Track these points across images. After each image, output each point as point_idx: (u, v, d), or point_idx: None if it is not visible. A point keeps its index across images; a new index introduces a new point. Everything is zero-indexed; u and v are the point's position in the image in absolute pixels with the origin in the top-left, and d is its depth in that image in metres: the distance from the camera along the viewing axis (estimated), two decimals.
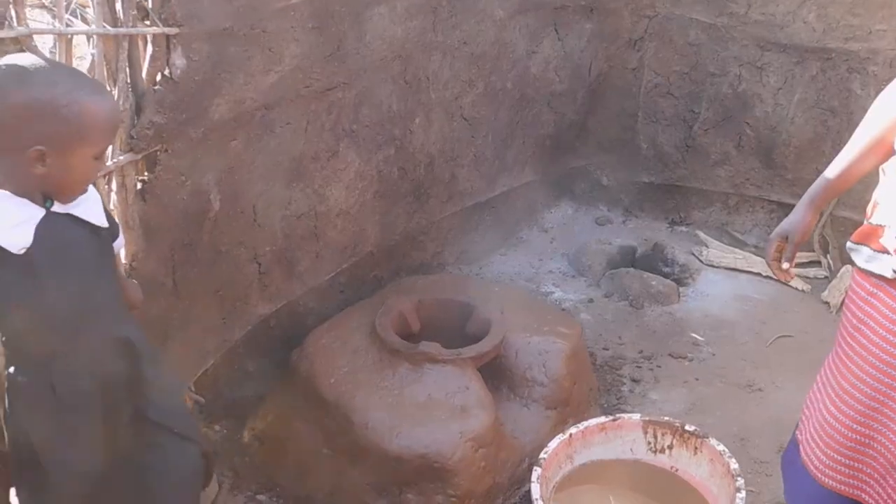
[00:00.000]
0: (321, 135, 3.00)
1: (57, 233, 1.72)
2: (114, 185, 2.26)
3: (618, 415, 2.54)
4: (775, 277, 2.26)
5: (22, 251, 1.66)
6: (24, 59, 1.65)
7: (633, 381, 3.12)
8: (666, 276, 3.84)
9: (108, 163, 2.19)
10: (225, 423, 2.90)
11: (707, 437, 2.35)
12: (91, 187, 1.87)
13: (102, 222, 1.84)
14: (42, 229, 1.69)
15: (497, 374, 2.79)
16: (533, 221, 4.52)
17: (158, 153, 2.33)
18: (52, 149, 1.60)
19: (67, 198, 1.72)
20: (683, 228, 4.38)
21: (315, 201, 3.08)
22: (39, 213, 1.70)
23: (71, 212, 1.76)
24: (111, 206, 2.27)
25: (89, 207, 1.81)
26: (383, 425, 2.43)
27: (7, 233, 1.64)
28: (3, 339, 1.76)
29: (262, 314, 3.01)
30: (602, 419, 2.52)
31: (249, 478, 2.67)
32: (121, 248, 2.06)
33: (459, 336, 2.92)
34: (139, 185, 2.31)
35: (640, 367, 3.21)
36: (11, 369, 1.77)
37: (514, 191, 4.27)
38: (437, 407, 2.51)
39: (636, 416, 2.52)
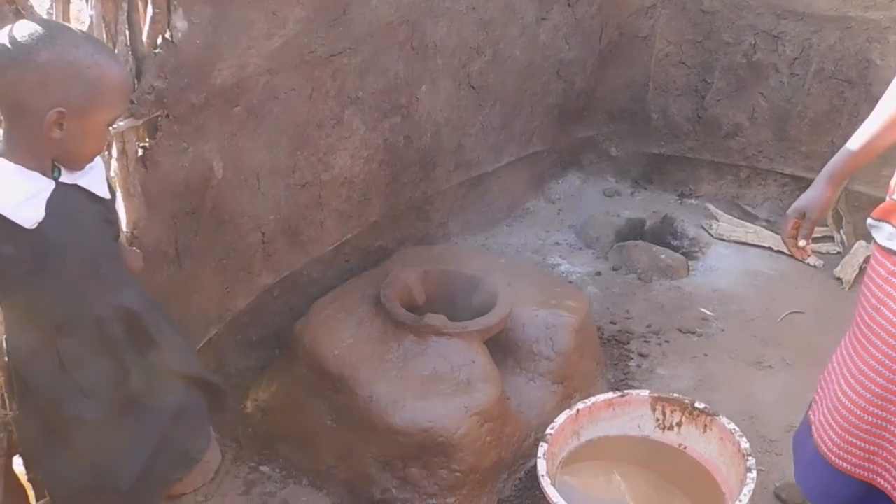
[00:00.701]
0: (326, 101, 2.93)
1: (67, 205, 1.69)
2: (114, 152, 2.20)
3: (626, 391, 2.50)
4: (789, 254, 2.21)
5: (34, 226, 1.62)
6: (47, 22, 1.64)
7: (641, 356, 3.08)
8: (675, 249, 3.79)
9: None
10: (229, 393, 2.86)
11: (717, 416, 2.32)
12: (98, 160, 1.83)
13: (106, 193, 1.81)
14: (53, 202, 1.66)
15: (503, 347, 2.75)
16: (539, 192, 4.46)
17: (159, 119, 2.27)
18: (70, 111, 1.56)
19: (79, 166, 1.68)
20: (693, 201, 4.32)
21: (319, 169, 3.02)
22: (50, 185, 1.66)
23: (78, 182, 1.72)
24: (111, 174, 2.22)
25: (94, 178, 1.78)
26: (387, 399, 2.40)
27: (19, 208, 1.61)
28: (9, 311, 1.74)
29: (266, 284, 2.97)
30: (610, 395, 2.48)
31: (252, 449, 2.65)
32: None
33: (465, 309, 2.87)
34: (140, 152, 2.25)
35: (647, 341, 3.17)
36: (14, 339, 1.75)
37: (521, 161, 4.20)
38: (442, 380, 2.47)
39: (644, 393, 2.48)
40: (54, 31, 1.56)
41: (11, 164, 1.61)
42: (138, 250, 2.19)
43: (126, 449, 1.89)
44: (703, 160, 4.28)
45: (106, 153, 2.17)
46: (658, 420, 2.48)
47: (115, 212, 1.87)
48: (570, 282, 3.63)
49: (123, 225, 2.28)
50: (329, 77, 2.90)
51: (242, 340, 3.01)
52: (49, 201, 1.64)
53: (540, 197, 4.45)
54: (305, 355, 2.62)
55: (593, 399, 2.47)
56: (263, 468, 2.58)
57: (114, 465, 1.86)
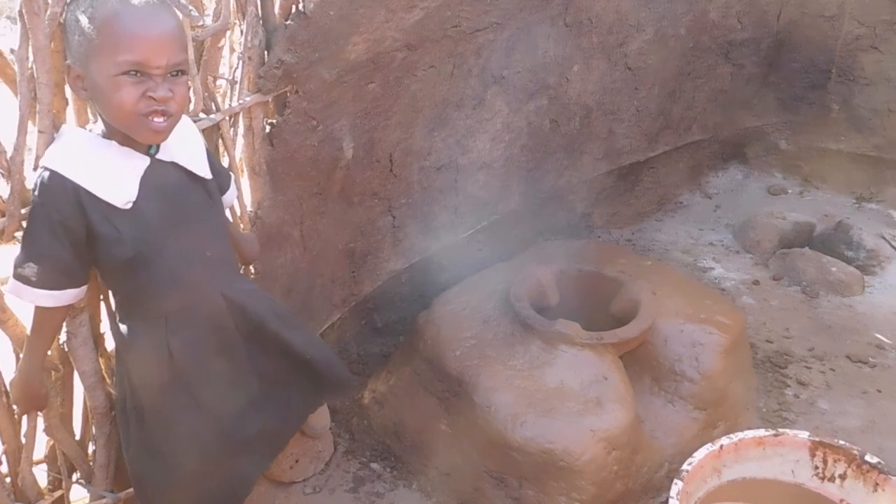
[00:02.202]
0: (467, 80, 2.74)
1: (163, 183, 1.59)
2: (240, 128, 2.10)
3: (780, 430, 2.19)
4: None
5: (129, 205, 1.53)
6: None
7: (800, 384, 2.72)
8: (848, 261, 3.35)
9: (234, 103, 2.04)
10: None
11: (894, 475, 1.97)
12: (197, 136, 1.72)
13: (207, 173, 1.69)
14: (148, 180, 1.56)
15: (640, 362, 2.48)
16: (695, 185, 4.09)
17: (288, 94, 2.15)
18: (74, 63, 1.47)
19: (133, 130, 1.50)
20: (873, 206, 3.82)
21: (457, 152, 2.84)
22: (144, 162, 1.56)
23: (176, 160, 1.62)
24: (238, 152, 2.13)
25: (194, 156, 1.67)
26: (507, 411, 2.21)
27: (111, 187, 1.52)
28: (122, 305, 1.67)
29: (394, 269, 2.84)
30: (760, 432, 2.18)
31: (365, 443, 2.54)
32: (233, 201, 1.92)
33: (601, 315, 2.63)
34: (267, 129, 2.14)
35: (809, 367, 2.80)
36: (124, 328, 1.67)
37: (677, 150, 3.85)
38: (570, 397, 2.25)
39: (803, 435, 2.16)
40: None
41: (103, 139, 1.53)
42: (253, 234, 2.09)
43: (236, 474, 1.81)
44: (891, 160, 3.76)
45: (231, 129, 2.08)
46: (817, 468, 2.15)
47: (218, 195, 1.76)
48: (723, 290, 3.29)
49: (248, 204, 2.20)
50: (472, 54, 2.70)
51: (367, 326, 2.91)
52: (144, 179, 1.54)
53: (695, 190, 4.08)
54: (426, 351, 2.47)
55: (741, 435, 2.18)
56: (374, 465, 2.47)
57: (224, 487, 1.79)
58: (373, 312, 2.91)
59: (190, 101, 1.82)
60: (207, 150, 1.74)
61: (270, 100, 2.13)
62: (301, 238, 2.41)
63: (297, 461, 2.41)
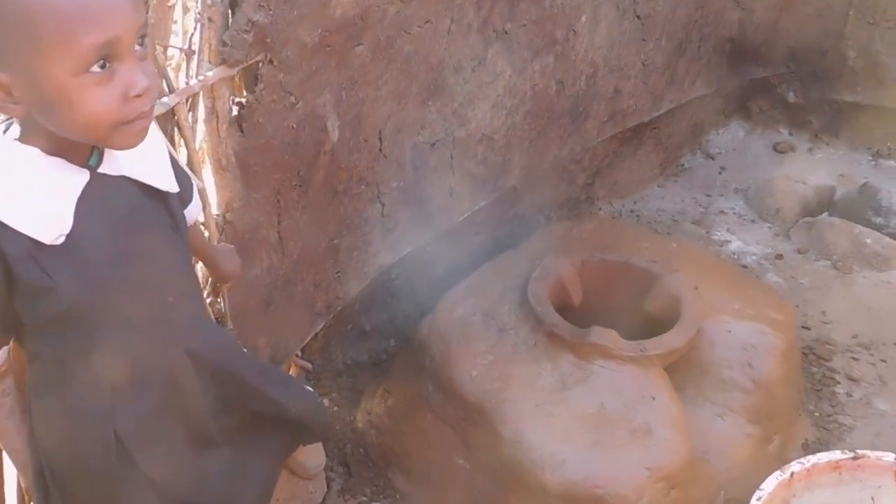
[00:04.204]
0: (467, 37, 2.29)
1: (109, 206, 1.13)
2: (200, 112, 1.64)
3: (860, 451, 1.87)
4: None
5: (61, 240, 1.08)
6: None
7: (850, 379, 2.41)
8: (877, 229, 3.03)
9: (192, 81, 1.56)
10: (336, 396, 2.37)
11: None
12: (155, 134, 1.26)
13: (171, 185, 1.24)
14: (87, 204, 1.10)
15: (681, 369, 2.12)
16: (696, 145, 3.72)
17: (260, 65, 1.69)
18: (3, 70, 0.98)
19: (116, 141, 1.06)
20: (892, 164, 3.51)
21: (454, 124, 2.41)
22: (81, 179, 1.10)
23: (127, 173, 1.16)
24: (199, 142, 1.66)
25: (152, 163, 1.21)
26: (543, 447, 1.84)
27: (36, 216, 1.06)
28: (43, 375, 1.22)
29: (383, 264, 2.41)
30: (836, 455, 1.86)
31: (363, 477, 2.15)
32: (197, 215, 1.46)
33: (632, 314, 2.26)
34: (235, 111, 1.68)
35: (856, 358, 2.49)
36: (47, 406, 1.23)
37: (681, 108, 3.46)
38: (613, 424, 1.89)
39: (889, 458, 1.85)
40: None
41: (21, 146, 1.07)
42: (230, 247, 1.65)
43: None
44: None
45: (189, 113, 1.61)
46: None
47: (181, 213, 1.31)
48: (745, 266, 2.95)
49: (214, 207, 1.74)
50: (473, 5, 2.25)
51: (354, 331, 2.50)
52: (82, 202, 1.09)
53: (696, 151, 3.72)
54: (434, 370, 2.07)
55: (814, 459, 1.86)
56: None
57: None
58: (360, 315, 2.50)
59: None
60: (169, 152, 1.29)
61: (237, 73, 1.66)
62: (279, 241, 1.96)
63: None
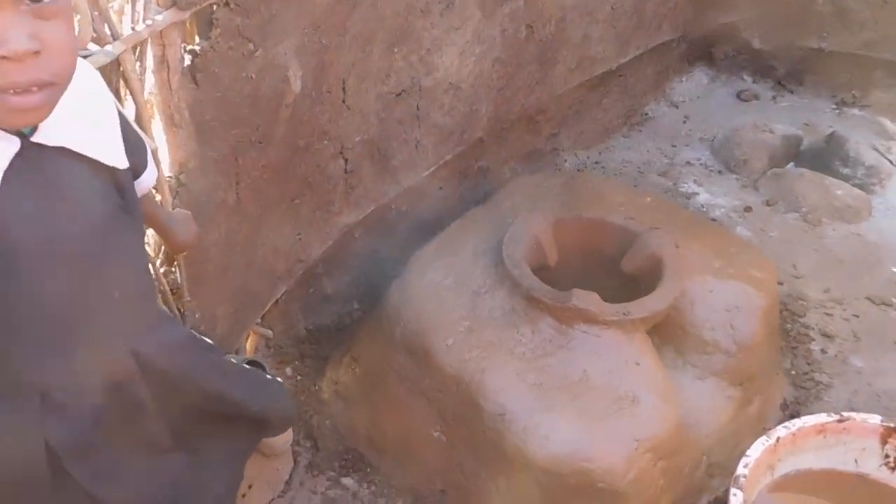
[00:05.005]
0: None
1: (43, 183, 0.96)
2: (149, 62, 1.45)
3: (845, 413, 1.83)
4: None
5: None
6: None
7: (825, 336, 2.37)
8: (845, 179, 2.99)
9: (139, 27, 1.37)
10: (299, 365, 2.24)
11: None
12: (103, 96, 1.08)
13: (120, 161, 1.06)
14: (16, 179, 0.93)
15: (660, 330, 2.04)
16: (660, 93, 3.63)
17: (215, 8, 1.50)
18: None
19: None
20: (856, 112, 3.46)
21: (420, 72, 2.25)
22: (10, 148, 0.92)
23: (67, 143, 0.98)
24: (147, 93, 1.48)
25: (97, 133, 1.03)
26: (527, 419, 1.74)
27: None
28: None
29: (346, 224, 2.27)
30: (822, 418, 1.82)
31: (332, 452, 2.03)
32: (151, 184, 1.28)
33: (610, 274, 2.17)
34: (188, 60, 1.50)
35: (829, 314, 2.45)
36: None
37: (646, 54, 3.35)
38: (598, 392, 1.80)
39: (874, 420, 1.81)
40: None
41: None
42: (186, 212, 1.48)
43: None
44: (881, 59, 3.37)
45: (137, 64, 1.42)
46: (888, 457, 1.82)
47: (132, 190, 1.12)
48: (713, 219, 2.88)
49: (166, 168, 1.57)
50: None
51: (315, 295, 2.36)
52: (8, 177, 0.92)
53: (660, 99, 3.63)
54: (406, 339, 1.95)
55: (800, 423, 1.81)
56: (346, 480, 1.98)
57: None
58: (321, 277, 2.35)
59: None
60: (122, 116, 1.11)
61: (190, 18, 1.47)
62: (238, 203, 1.80)
63: (249, 487, 1.89)
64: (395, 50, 2.12)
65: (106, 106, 1.07)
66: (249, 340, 2.21)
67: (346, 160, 2.14)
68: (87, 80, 1.04)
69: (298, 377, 2.20)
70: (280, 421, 1.58)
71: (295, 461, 1.99)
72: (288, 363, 2.23)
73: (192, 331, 1.43)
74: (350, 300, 2.44)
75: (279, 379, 2.09)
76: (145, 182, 1.22)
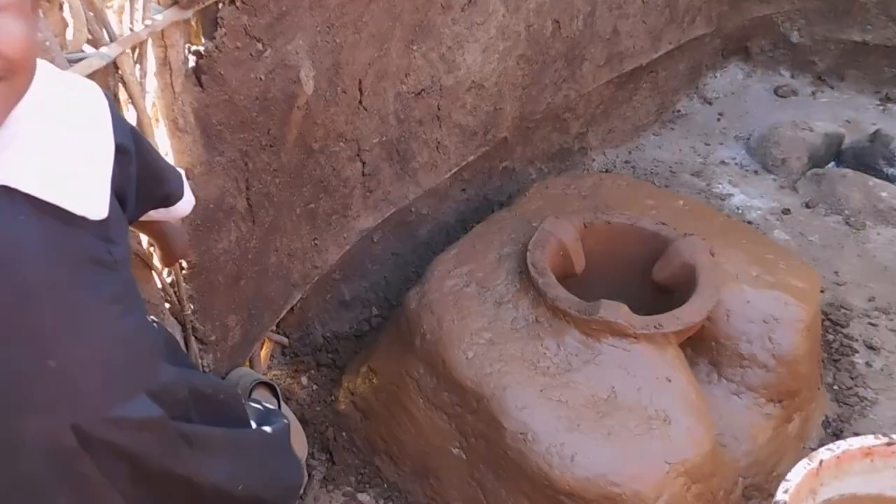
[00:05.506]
0: None
1: None
2: (150, 65, 1.37)
3: (894, 436, 1.70)
4: None
5: None
6: None
7: (870, 348, 2.25)
8: (889, 180, 2.85)
9: (138, 27, 1.30)
10: (315, 374, 2.16)
11: None
12: (88, 117, 0.96)
13: (97, 209, 0.91)
14: None
15: (694, 343, 1.94)
16: (692, 89, 3.49)
17: (220, 6, 1.42)
18: None
19: None
20: None
21: (441, 70, 2.16)
22: None
23: (13, 184, 0.84)
24: (150, 101, 1.40)
25: (78, 173, 0.90)
26: (550, 439, 1.65)
27: None
28: None
29: (364, 228, 2.19)
30: (870, 440, 1.69)
31: (349, 465, 1.96)
32: (185, 213, 1.20)
33: (640, 282, 2.07)
34: (192, 61, 1.42)
35: (874, 324, 2.32)
36: None
37: (679, 49, 3.22)
38: (627, 411, 1.70)
39: None
40: None
41: None
42: (180, 226, 1.40)
43: None
44: None
45: (136, 66, 1.35)
46: None
47: (121, 237, 0.98)
48: (749, 222, 2.75)
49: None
50: None
51: (333, 301, 2.28)
52: None
53: (693, 96, 3.49)
54: (424, 350, 1.86)
55: (844, 446, 1.69)
56: (362, 496, 1.90)
57: None
58: (339, 284, 2.27)
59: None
60: (142, 149, 1.01)
61: (193, 16, 1.39)
62: (248, 209, 1.72)
63: None
64: (415, 47, 2.03)
65: (97, 141, 0.93)
66: (265, 348, 2.14)
67: (363, 163, 2.06)
68: (81, 108, 0.93)
69: (314, 386, 2.12)
70: (282, 499, 1.41)
71: (309, 475, 1.91)
72: (304, 372, 2.15)
73: (205, 381, 1.26)
74: (369, 306, 2.36)
75: (294, 421, 1.90)
76: (178, 211, 1.14)
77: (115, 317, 0.96)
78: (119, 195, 0.95)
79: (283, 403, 1.88)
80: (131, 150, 0.97)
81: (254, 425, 1.38)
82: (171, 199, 1.10)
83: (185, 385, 1.12)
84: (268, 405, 1.64)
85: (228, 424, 1.23)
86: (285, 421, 1.49)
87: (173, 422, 1.09)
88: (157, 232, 1.31)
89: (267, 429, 1.40)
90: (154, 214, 1.18)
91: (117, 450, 1.01)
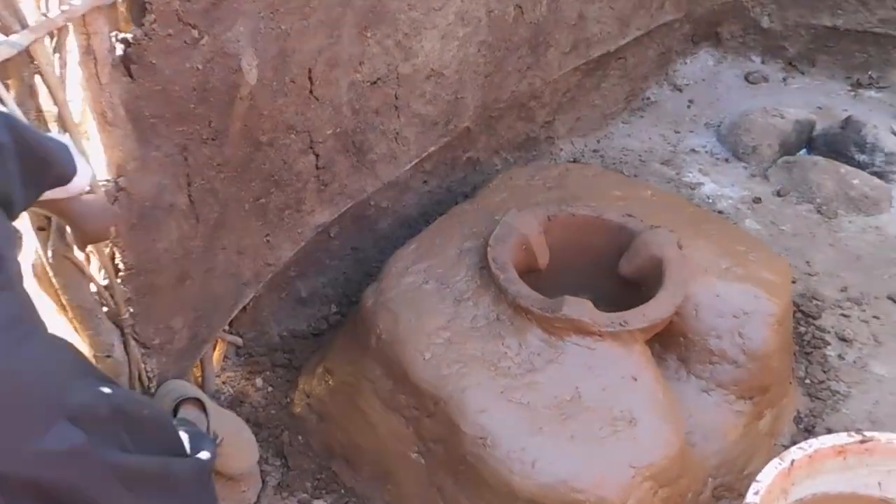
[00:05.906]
0: None
1: None
2: (72, 53, 1.27)
3: (867, 433, 1.66)
4: None
5: None
6: None
7: (842, 339, 2.20)
8: (861, 167, 2.80)
9: (53, 12, 1.20)
10: (270, 375, 2.08)
11: None
12: None
13: None
14: None
15: (661, 337, 1.87)
16: (662, 76, 3.42)
17: None
18: None
19: None
20: (873, 94, 3.26)
21: (398, 58, 2.06)
22: None
23: None
24: (78, 89, 1.30)
25: None
26: (511, 445, 1.57)
27: None
28: None
29: (320, 223, 2.10)
30: (843, 438, 1.65)
31: (304, 469, 1.88)
32: (83, 188, 1.10)
33: (606, 276, 2.00)
34: (119, 50, 1.32)
35: (846, 315, 2.27)
36: None
37: (648, 35, 3.15)
38: (591, 413, 1.63)
39: None
40: None
41: None
42: (102, 198, 1.31)
43: None
44: None
45: (56, 55, 1.25)
46: None
47: (5, 257, 0.91)
48: (720, 212, 2.70)
49: (102, 169, 1.39)
50: None
51: (289, 299, 2.20)
52: None
53: (663, 82, 3.42)
54: (380, 350, 1.78)
55: (816, 444, 1.65)
56: (319, 503, 1.81)
57: None
58: (295, 280, 2.19)
59: None
60: (12, 126, 0.92)
61: (118, 1, 1.29)
62: (191, 206, 1.63)
63: None
64: (369, 34, 1.94)
65: None
66: (217, 349, 2.05)
67: (317, 155, 1.96)
68: None
69: (269, 388, 2.04)
70: None
71: (263, 481, 1.84)
72: (259, 373, 2.07)
73: (126, 396, 1.16)
74: (328, 303, 2.27)
75: (242, 425, 1.81)
76: (75, 187, 1.05)
77: (16, 341, 0.87)
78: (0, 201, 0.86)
79: (229, 412, 1.78)
80: (6, 143, 0.88)
81: (188, 449, 1.29)
82: (63, 178, 1.01)
83: (105, 402, 1.03)
84: (192, 428, 1.53)
85: (161, 449, 1.14)
86: (210, 453, 1.40)
87: (102, 449, 1.00)
88: (65, 210, 1.20)
89: (203, 455, 1.31)
90: (50, 194, 1.08)
91: (38, 489, 0.93)
